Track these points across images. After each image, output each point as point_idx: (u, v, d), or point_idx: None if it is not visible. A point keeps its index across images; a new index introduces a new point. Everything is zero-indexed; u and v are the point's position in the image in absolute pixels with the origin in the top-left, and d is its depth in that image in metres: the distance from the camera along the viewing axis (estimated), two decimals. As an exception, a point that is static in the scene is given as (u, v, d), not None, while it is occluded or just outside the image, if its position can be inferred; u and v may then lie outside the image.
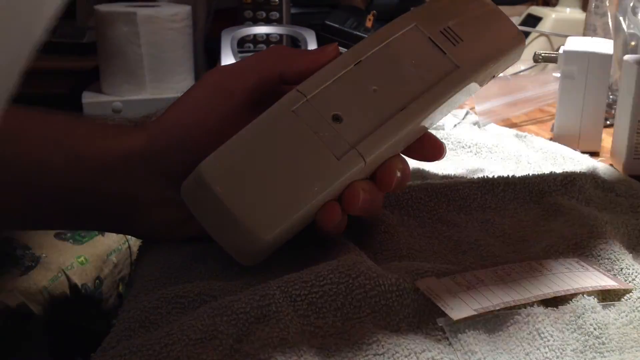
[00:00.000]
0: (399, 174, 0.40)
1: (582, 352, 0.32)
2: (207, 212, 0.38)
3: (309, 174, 0.37)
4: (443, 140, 0.43)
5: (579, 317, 0.33)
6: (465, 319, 0.33)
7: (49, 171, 0.39)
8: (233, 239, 0.37)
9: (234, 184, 0.37)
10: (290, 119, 0.38)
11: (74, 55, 1.69)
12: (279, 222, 0.36)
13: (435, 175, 0.51)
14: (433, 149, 0.43)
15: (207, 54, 1.39)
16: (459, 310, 0.33)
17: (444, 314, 0.33)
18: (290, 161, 0.37)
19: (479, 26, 0.44)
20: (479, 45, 0.43)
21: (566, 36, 0.72)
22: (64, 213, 0.42)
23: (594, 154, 0.64)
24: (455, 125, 0.70)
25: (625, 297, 0.36)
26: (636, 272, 0.38)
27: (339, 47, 0.42)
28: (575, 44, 0.66)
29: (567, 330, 0.33)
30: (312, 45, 1.01)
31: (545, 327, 0.32)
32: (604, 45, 0.65)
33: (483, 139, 0.62)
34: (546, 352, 0.31)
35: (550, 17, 1.03)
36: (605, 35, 0.79)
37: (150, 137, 0.39)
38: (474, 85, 0.43)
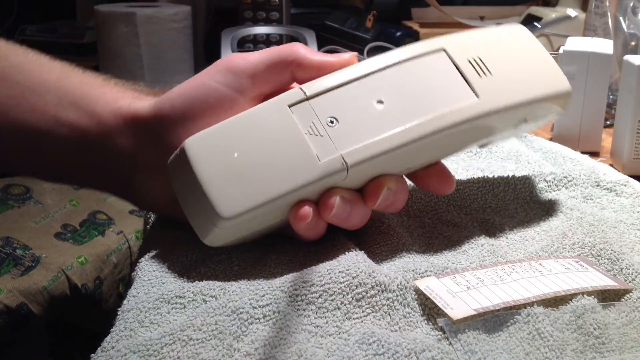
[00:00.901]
0: (387, 192, 0.39)
1: (582, 352, 0.32)
2: (182, 185, 0.39)
3: (286, 168, 0.37)
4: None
5: (578, 317, 0.33)
6: (465, 318, 0.33)
7: (62, 125, 0.41)
8: (197, 213, 0.38)
9: (212, 161, 0.37)
10: (283, 113, 0.38)
11: (74, 55, 1.69)
12: (243, 206, 0.37)
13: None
14: (440, 181, 0.42)
15: (207, 54, 1.39)
16: (459, 310, 0.33)
17: (444, 314, 0.33)
18: (272, 152, 0.37)
19: (515, 63, 0.42)
20: (509, 82, 0.41)
21: (566, 36, 0.73)
22: (71, 167, 0.44)
23: (594, 154, 0.64)
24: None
25: (625, 297, 0.36)
26: (636, 272, 0.38)
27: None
28: (575, 44, 0.66)
29: (567, 330, 0.33)
30: (312, 45, 1.01)
31: (545, 327, 0.32)
32: (604, 45, 0.65)
33: (483, 139, 0.62)
34: (546, 352, 0.31)
35: (550, 17, 1.03)
36: (605, 35, 0.79)
37: (157, 105, 0.41)
38: (495, 123, 0.41)
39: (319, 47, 1.03)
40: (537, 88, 0.41)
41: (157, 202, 0.43)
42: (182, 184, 0.39)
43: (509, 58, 0.42)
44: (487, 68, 0.41)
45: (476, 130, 0.41)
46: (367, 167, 0.38)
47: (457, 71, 0.40)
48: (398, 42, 1.07)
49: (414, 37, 1.11)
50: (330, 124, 0.38)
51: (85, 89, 0.42)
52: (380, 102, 0.39)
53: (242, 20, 1.13)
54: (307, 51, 0.41)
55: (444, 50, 0.41)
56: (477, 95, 0.40)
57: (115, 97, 0.42)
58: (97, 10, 1.22)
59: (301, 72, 0.41)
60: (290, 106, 0.38)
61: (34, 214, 1.17)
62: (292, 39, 1.08)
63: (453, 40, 0.42)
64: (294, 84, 0.42)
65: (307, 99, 0.39)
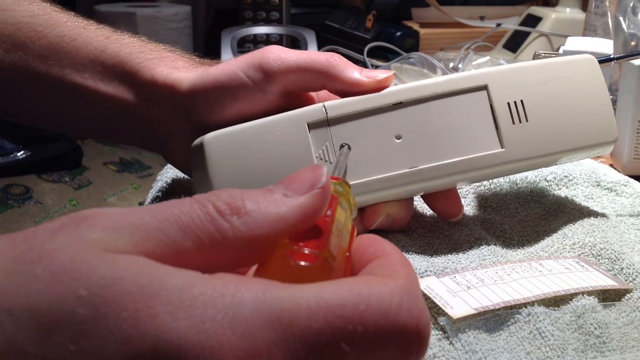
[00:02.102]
0: (384, 218, 0.40)
1: (582, 352, 0.32)
2: (197, 173, 0.40)
3: None
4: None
5: (579, 317, 0.33)
6: (465, 317, 0.33)
7: (101, 97, 0.44)
8: None
9: (224, 164, 0.39)
10: (301, 131, 0.38)
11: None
12: None
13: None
14: (447, 207, 0.42)
15: (207, 54, 1.39)
16: (459, 309, 0.33)
17: (444, 313, 0.33)
18: (280, 169, 0.38)
19: (561, 108, 0.38)
20: (544, 131, 0.38)
21: (566, 36, 0.73)
22: (114, 130, 0.47)
23: (594, 154, 0.64)
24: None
25: (625, 297, 0.36)
26: (636, 272, 0.38)
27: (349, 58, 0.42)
28: (575, 44, 0.66)
29: (568, 329, 0.33)
30: (312, 45, 1.01)
31: (546, 327, 0.32)
32: (604, 45, 0.65)
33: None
34: (547, 352, 0.31)
35: (550, 17, 1.03)
36: (605, 35, 0.79)
37: (192, 85, 0.42)
38: (516, 171, 0.39)
39: (319, 47, 1.03)
40: (574, 139, 0.39)
41: (186, 166, 0.45)
42: (197, 172, 0.40)
43: (556, 100, 0.39)
44: (525, 114, 0.38)
45: (493, 175, 0.40)
46: (368, 199, 0.39)
47: (491, 115, 0.38)
48: (398, 42, 1.07)
49: (414, 37, 1.11)
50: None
51: (122, 59, 0.44)
52: (399, 137, 0.38)
53: (242, 20, 1.13)
54: (344, 66, 0.40)
55: (486, 88, 0.38)
56: (502, 145, 0.38)
57: (152, 66, 0.44)
58: (97, 10, 1.22)
59: (333, 84, 0.40)
60: (309, 125, 0.38)
61: (34, 214, 1.17)
62: (292, 39, 1.08)
63: (502, 76, 0.39)
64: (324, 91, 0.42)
65: (327, 121, 0.38)
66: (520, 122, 0.38)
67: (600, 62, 0.41)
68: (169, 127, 0.44)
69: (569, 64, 0.40)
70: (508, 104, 0.38)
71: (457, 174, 0.38)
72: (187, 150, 0.42)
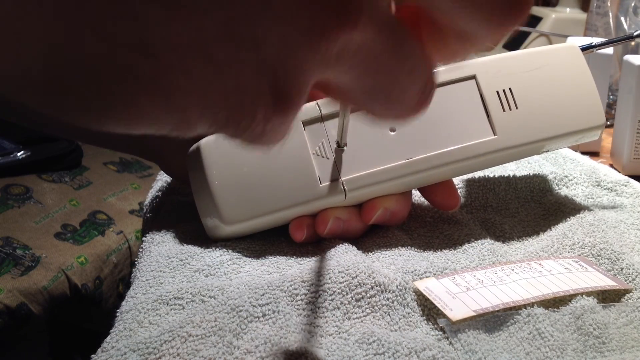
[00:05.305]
0: (382, 212, 0.40)
1: (582, 352, 0.32)
2: (195, 179, 0.40)
3: (289, 185, 0.38)
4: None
5: (578, 318, 0.33)
6: (464, 319, 0.33)
7: None
8: (204, 208, 0.40)
9: (222, 166, 0.39)
10: (296, 128, 0.38)
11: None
12: (245, 214, 0.38)
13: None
14: (444, 197, 0.42)
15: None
16: (458, 311, 0.33)
17: (443, 315, 0.33)
18: (278, 166, 0.38)
19: (548, 94, 0.39)
20: (533, 118, 0.39)
21: (566, 36, 0.73)
22: (111, 138, 0.48)
23: (594, 154, 0.64)
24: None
25: (625, 297, 0.36)
26: (636, 272, 0.38)
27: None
28: (576, 43, 0.65)
29: (567, 330, 0.33)
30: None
31: (545, 327, 0.32)
32: (604, 45, 0.65)
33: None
34: (547, 352, 0.31)
35: (550, 17, 1.03)
36: (607, 35, 0.79)
37: None
38: (510, 158, 0.40)
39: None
40: (563, 124, 0.40)
41: (182, 176, 0.46)
42: (195, 178, 0.40)
43: (544, 87, 0.40)
44: (514, 101, 0.39)
45: (488, 163, 0.41)
46: (366, 193, 0.39)
47: (481, 103, 0.39)
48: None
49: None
50: (339, 147, 0.38)
51: None
52: (393, 129, 0.39)
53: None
54: None
55: (475, 77, 0.40)
56: (494, 132, 0.39)
57: None
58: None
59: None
60: (304, 123, 0.39)
61: (34, 214, 1.17)
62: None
63: (488, 66, 0.40)
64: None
65: (322, 117, 0.39)
66: (510, 109, 0.39)
67: (583, 49, 0.42)
68: (164, 138, 0.44)
69: (551, 52, 0.41)
70: (497, 92, 0.39)
71: (452, 163, 0.39)
72: (183, 161, 0.42)
